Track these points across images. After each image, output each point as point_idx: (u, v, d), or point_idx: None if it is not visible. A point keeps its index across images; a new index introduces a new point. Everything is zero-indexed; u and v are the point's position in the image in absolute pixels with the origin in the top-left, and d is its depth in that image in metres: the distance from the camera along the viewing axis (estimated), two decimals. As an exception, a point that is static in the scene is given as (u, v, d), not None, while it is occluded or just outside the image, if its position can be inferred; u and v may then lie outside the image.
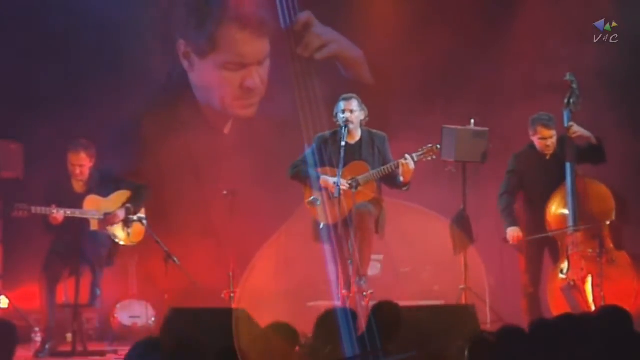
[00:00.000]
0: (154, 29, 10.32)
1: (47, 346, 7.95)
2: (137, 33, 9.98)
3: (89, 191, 8.34)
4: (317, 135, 8.27)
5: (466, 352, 4.28)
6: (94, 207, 8.32)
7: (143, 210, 8.56)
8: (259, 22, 10.60)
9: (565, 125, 7.96)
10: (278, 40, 10.66)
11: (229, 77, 10.63)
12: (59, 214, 8.10)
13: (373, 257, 8.22)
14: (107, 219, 8.27)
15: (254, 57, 10.64)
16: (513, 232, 8.03)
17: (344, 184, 7.75)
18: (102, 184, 8.43)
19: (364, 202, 7.82)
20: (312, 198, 8.00)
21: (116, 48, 9.90)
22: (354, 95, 8.16)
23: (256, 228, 9.39)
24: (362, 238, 7.74)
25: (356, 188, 7.78)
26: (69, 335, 8.18)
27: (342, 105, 8.05)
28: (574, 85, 7.97)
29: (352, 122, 7.99)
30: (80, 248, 8.17)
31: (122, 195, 8.44)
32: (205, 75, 10.71)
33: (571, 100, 7.98)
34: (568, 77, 8.04)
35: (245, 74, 10.63)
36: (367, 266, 7.85)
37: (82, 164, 8.27)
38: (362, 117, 8.11)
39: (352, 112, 8.00)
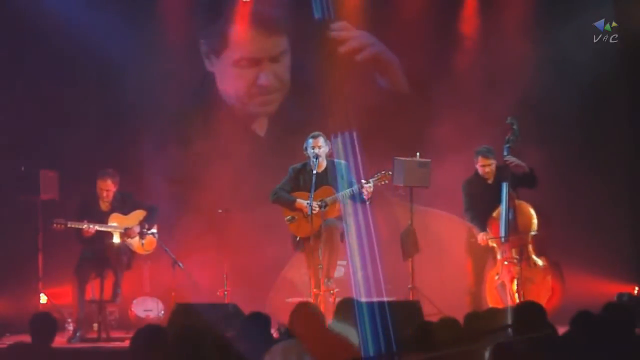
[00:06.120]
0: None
1: (77, 334, 8.57)
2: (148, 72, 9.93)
3: (113, 210, 8.93)
4: (291, 167, 8.79)
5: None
6: (116, 223, 8.94)
7: (155, 226, 9.08)
8: (270, 20, 10.35)
9: (504, 156, 8.77)
10: (301, 39, 10.28)
11: (242, 74, 10.44)
12: (91, 228, 8.70)
13: (338, 262, 8.86)
14: (127, 233, 8.88)
15: (265, 53, 10.45)
16: (484, 236, 8.76)
17: (315, 205, 8.45)
18: (123, 205, 9.00)
19: (331, 219, 8.53)
20: (289, 217, 8.67)
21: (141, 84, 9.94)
22: (320, 133, 8.69)
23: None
24: (330, 248, 8.46)
25: (324, 208, 8.45)
26: (95, 325, 8.77)
27: (311, 142, 8.62)
28: (515, 127, 8.74)
29: (320, 155, 8.60)
30: (105, 255, 8.80)
31: (139, 214, 8.99)
32: (222, 73, 10.51)
33: (511, 138, 8.75)
34: (509, 120, 8.78)
35: (258, 71, 10.43)
36: (333, 270, 8.59)
37: (108, 188, 8.89)
38: (327, 150, 8.69)
39: (320, 147, 8.60)
